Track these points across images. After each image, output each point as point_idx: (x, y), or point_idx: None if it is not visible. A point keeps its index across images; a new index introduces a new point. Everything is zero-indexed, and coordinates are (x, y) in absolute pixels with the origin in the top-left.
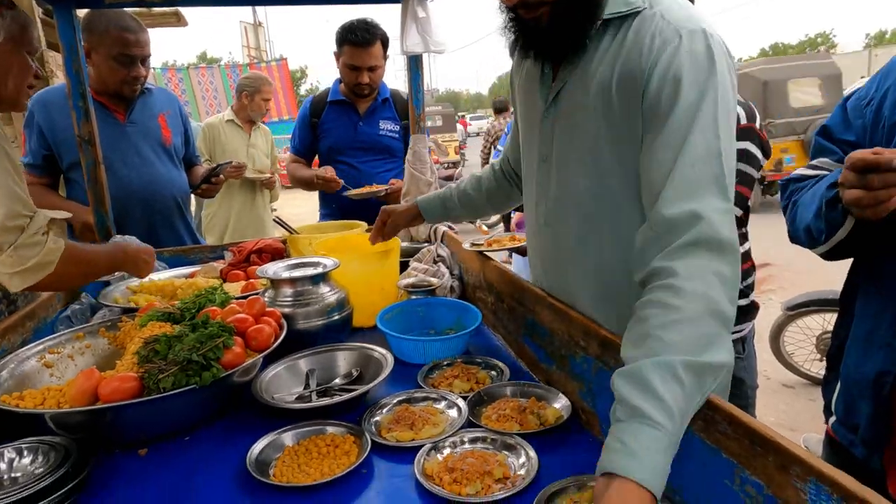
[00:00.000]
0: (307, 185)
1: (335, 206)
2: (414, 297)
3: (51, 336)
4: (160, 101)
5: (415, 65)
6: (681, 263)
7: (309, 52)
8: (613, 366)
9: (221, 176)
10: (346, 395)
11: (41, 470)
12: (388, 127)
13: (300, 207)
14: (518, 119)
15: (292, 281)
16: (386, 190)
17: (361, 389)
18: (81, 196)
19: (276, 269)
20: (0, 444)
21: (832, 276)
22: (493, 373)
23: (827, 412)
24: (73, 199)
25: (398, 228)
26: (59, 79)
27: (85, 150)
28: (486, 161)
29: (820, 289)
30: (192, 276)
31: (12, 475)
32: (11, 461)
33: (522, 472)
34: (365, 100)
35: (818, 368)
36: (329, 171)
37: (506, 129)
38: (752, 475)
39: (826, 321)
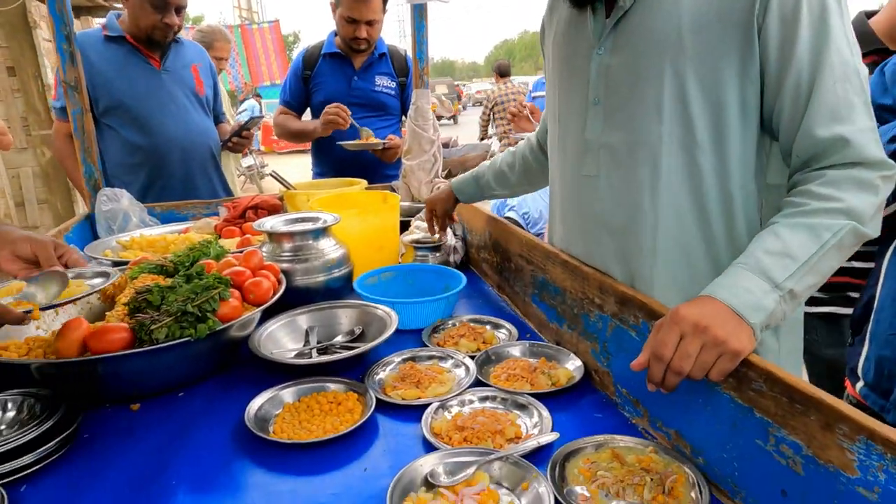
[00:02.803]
0: (301, 136)
1: (330, 164)
2: (419, 252)
3: None
4: (191, 53)
5: (419, 14)
6: (821, 173)
7: (302, 17)
8: (632, 324)
9: (253, 130)
10: (350, 352)
11: (27, 422)
12: (384, 83)
13: (292, 175)
14: (553, 68)
15: (291, 235)
16: (383, 144)
17: (365, 346)
18: (117, 143)
19: (273, 222)
20: None
21: None
22: (501, 333)
23: (853, 377)
24: (107, 147)
25: (448, 214)
26: (42, 29)
27: (71, 97)
28: (485, 129)
29: None
30: (185, 231)
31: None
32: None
33: (535, 431)
34: (361, 54)
35: None
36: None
37: (506, 96)
38: (790, 435)
39: None
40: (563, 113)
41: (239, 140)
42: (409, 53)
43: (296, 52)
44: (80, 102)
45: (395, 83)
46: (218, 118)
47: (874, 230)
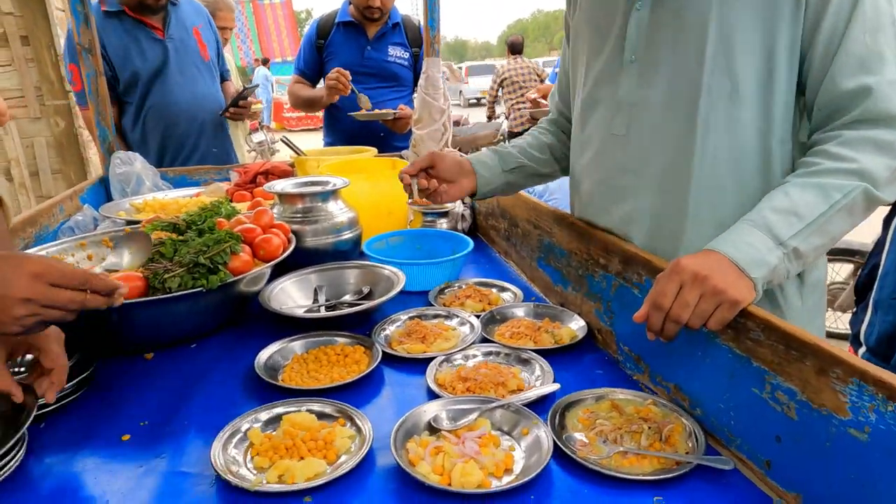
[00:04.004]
0: (311, 104)
1: (340, 134)
2: (427, 217)
3: (53, 242)
4: (191, 14)
5: None
6: (839, 133)
7: None
8: (636, 282)
9: (250, 99)
10: (357, 308)
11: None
12: (397, 53)
13: (304, 146)
14: (582, 36)
15: (301, 196)
16: (394, 114)
17: (373, 303)
18: (131, 117)
19: (284, 184)
20: None
21: None
22: (506, 295)
23: (855, 343)
24: (125, 122)
25: (442, 178)
26: None
27: (85, 60)
28: (492, 106)
29: None
30: (196, 196)
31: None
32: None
33: (537, 384)
34: (375, 23)
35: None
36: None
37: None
38: (785, 381)
39: (835, 272)
40: (593, 76)
41: (236, 110)
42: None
43: (306, 31)
44: (94, 65)
45: (408, 53)
46: (223, 76)
47: (890, 195)
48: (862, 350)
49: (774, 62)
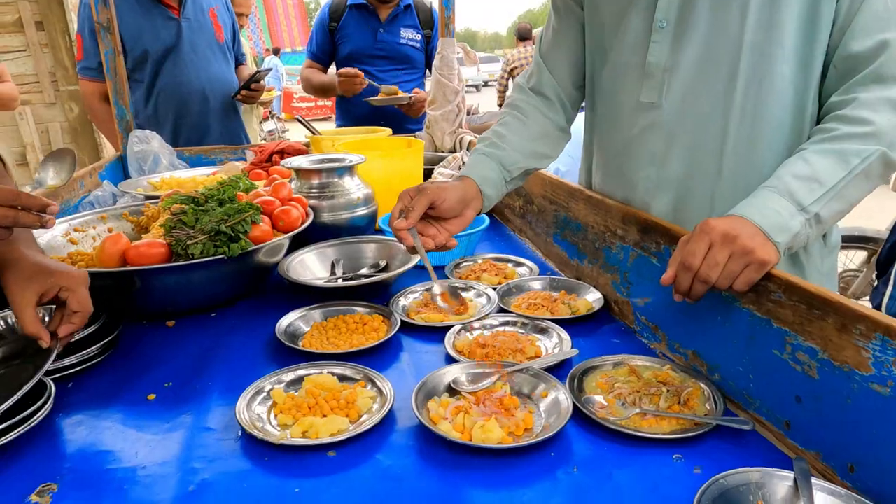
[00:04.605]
0: (324, 90)
1: (353, 119)
2: None
3: (76, 214)
4: None
5: None
6: (854, 96)
7: None
8: (654, 251)
9: (262, 83)
10: (375, 278)
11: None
12: (409, 35)
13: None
14: (596, 6)
15: (318, 172)
16: (409, 98)
17: (391, 274)
18: (142, 96)
19: (301, 161)
20: None
21: (858, 212)
22: (522, 270)
23: None
24: (135, 100)
25: (444, 218)
26: None
27: (104, 38)
28: (503, 94)
29: (844, 225)
30: (213, 175)
31: None
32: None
33: (555, 352)
34: (387, 6)
35: None
36: (351, 70)
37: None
38: (806, 341)
39: (849, 259)
40: (616, 46)
41: (248, 93)
42: (435, 5)
43: (319, 12)
44: (113, 44)
45: (420, 35)
46: (238, 59)
47: None
48: None
49: (819, 12)
